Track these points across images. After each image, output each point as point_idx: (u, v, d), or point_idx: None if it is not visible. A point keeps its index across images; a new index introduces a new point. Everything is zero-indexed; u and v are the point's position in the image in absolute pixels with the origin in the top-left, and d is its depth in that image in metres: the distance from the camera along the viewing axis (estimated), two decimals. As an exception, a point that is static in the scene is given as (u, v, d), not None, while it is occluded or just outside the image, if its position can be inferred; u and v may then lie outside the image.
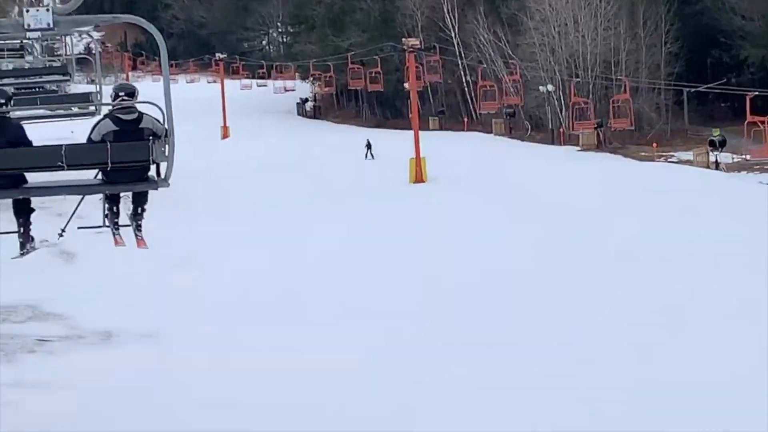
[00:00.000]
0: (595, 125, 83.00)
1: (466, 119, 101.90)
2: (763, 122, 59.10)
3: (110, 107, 16.52)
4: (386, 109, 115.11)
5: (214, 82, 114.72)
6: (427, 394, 31.27)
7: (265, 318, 40.02)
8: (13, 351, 36.25)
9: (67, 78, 31.08)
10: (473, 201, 57.19)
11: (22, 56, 38.13)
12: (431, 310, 40.18)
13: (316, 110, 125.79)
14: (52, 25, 15.31)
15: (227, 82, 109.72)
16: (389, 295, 42.32)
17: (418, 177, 65.74)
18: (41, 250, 47.32)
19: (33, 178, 16.14)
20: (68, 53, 32.79)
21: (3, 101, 16.76)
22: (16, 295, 41.83)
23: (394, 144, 79.40)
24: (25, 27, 15.12)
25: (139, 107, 16.27)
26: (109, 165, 15.32)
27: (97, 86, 24.43)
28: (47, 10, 15.65)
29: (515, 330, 37.03)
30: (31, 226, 17.81)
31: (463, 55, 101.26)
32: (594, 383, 30.43)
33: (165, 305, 40.95)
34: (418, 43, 77.40)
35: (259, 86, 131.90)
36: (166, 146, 15.31)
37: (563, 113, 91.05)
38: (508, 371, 31.91)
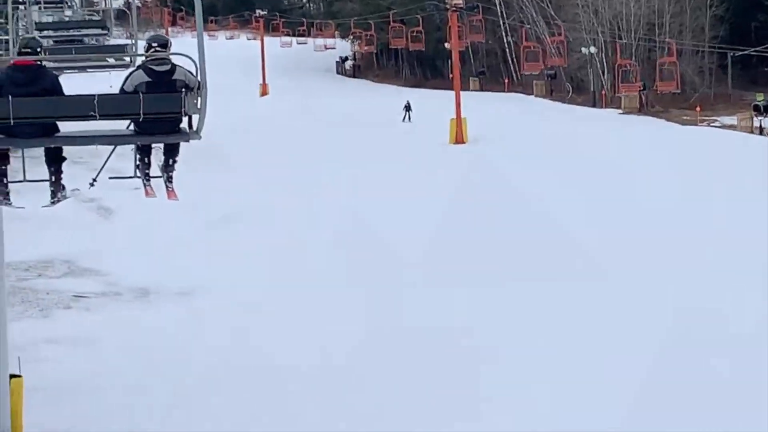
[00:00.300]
0: (640, 88, 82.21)
1: (506, 80, 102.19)
2: None
3: (143, 59, 16.53)
4: (426, 69, 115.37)
5: (254, 39, 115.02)
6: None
7: (305, 279, 40.05)
8: (49, 306, 36.67)
9: (106, 32, 31.28)
10: (514, 161, 56.82)
11: (61, 9, 38.42)
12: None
13: (356, 69, 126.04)
14: None
15: (267, 39, 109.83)
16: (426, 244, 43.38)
17: (459, 138, 65.71)
18: (78, 205, 48.36)
19: (65, 127, 16.35)
20: (106, 6, 33.05)
21: (37, 50, 17.15)
22: (52, 250, 42.47)
23: (434, 103, 79.22)
24: None
25: (173, 59, 16.30)
26: (141, 116, 15.40)
27: (133, 38, 24.41)
28: None
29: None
30: (62, 175, 17.81)
31: (505, 15, 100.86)
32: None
33: (203, 264, 40.98)
34: (461, 1, 76.82)
35: (299, 44, 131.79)
36: (199, 98, 15.29)
37: (605, 75, 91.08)
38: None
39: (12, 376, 26.97)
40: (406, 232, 45.83)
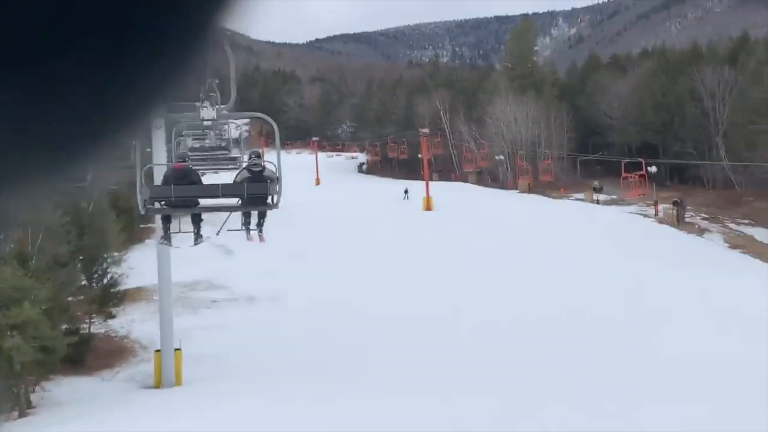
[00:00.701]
0: (529, 180, 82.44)
1: (453, 175, 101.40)
2: (632, 176, 58.38)
3: (247, 163, 17.22)
4: (408, 169, 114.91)
5: (311, 153, 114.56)
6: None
7: (345, 284, 40.65)
8: (197, 307, 37.05)
9: (227, 152, 31.45)
10: (461, 219, 56.39)
11: (204, 138, 38.76)
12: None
13: (368, 169, 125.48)
14: (215, 117, 17.06)
15: (319, 153, 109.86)
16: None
17: (428, 207, 64.77)
18: (213, 248, 47.97)
19: (203, 202, 16.96)
20: (229, 137, 33.13)
21: (187, 158, 18.75)
22: (200, 275, 43.82)
23: (413, 188, 79.41)
24: (201, 118, 15.71)
25: (264, 164, 16.99)
26: (245, 195, 15.87)
27: (242, 154, 24.77)
28: (213, 108, 17.02)
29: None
30: (200, 229, 18.27)
31: (451, 137, 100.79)
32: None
33: (285, 280, 41.15)
34: (428, 131, 76.93)
35: (337, 155, 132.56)
36: (278, 186, 15.96)
37: (509, 171, 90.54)
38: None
39: (176, 350, 26.25)
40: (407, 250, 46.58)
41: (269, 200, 16.34)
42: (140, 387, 27.20)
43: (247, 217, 18.05)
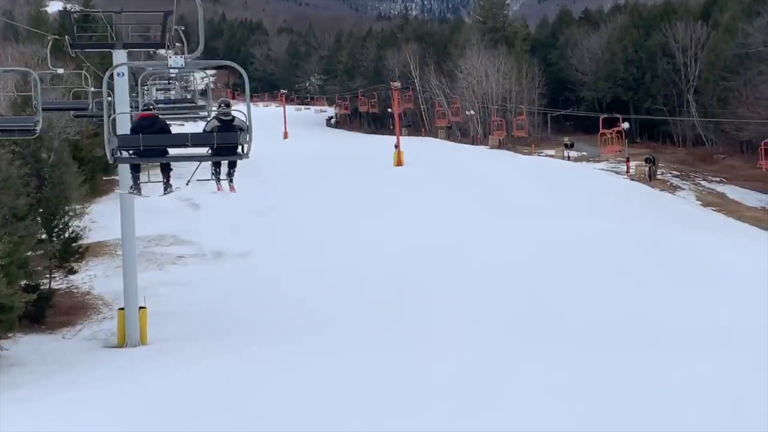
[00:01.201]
0: (503, 136, 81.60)
1: (423, 130, 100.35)
2: (610, 132, 57.59)
3: (216, 113, 16.76)
4: (377, 124, 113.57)
5: (279, 106, 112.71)
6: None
7: (317, 241, 40.03)
8: (162, 263, 36.05)
9: (193, 103, 30.39)
10: (430, 174, 55.57)
11: (168, 89, 37.32)
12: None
13: (337, 123, 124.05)
14: (183, 66, 15.93)
15: (287, 106, 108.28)
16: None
17: (399, 162, 63.66)
18: (179, 202, 46.68)
19: (171, 151, 16.46)
20: (195, 88, 31.82)
21: (153, 107, 17.68)
22: (165, 229, 42.84)
23: (381, 144, 78.18)
24: (168, 66, 15.83)
25: (233, 113, 16.46)
26: (215, 144, 15.63)
27: (209, 104, 24.08)
28: (181, 56, 16.24)
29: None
30: (170, 179, 17.90)
31: (421, 92, 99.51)
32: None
33: (253, 236, 40.17)
34: (399, 84, 75.53)
35: (305, 109, 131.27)
36: (248, 135, 15.59)
37: (479, 127, 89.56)
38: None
39: (140, 308, 25.17)
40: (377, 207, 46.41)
41: (239, 150, 16.04)
42: (103, 346, 26.07)
43: (216, 167, 17.70)
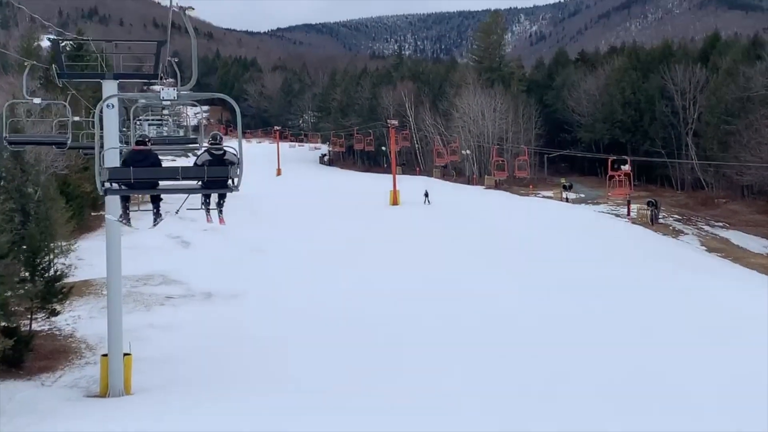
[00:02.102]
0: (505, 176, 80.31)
1: (417, 168, 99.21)
2: (618, 174, 56.46)
3: (207, 147, 16.48)
4: (371, 161, 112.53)
5: (272, 143, 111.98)
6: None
7: (307, 280, 38.81)
8: (150, 304, 34.56)
9: (188, 139, 29.28)
10: (428, 215, 54.12)
11: (160, 124, 36.21)
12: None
13: (330, 161, 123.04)
14: (176, 98, 15.57)
15: (281, 143, 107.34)
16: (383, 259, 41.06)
17: (395, 201, 62.35)
18: (169, 240, 45.42)
19: (162, 183, 16.17)
20: (188, 124, 30.61)
21: (148, 140, 17.20)
22: (154, 268, 41.37)
23: (376, 182, 76.89)
24: (161, 98, 15.49)
25: (225, 148, 16.20)
26: (206, 178, 15.57)
27: (202, 139, 23.16)
28: (174, 89, 15.90)
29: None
30: (160, 209, 17.89)
31: (416, 130, 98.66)
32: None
33: (245, 276, 38.61)
34: (396, 123, 74.29)
35: (299, 146, 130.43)
36: (238, 169, 15.65)
37: (474, 167, 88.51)
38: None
39: (125, 354, 23.49)
40: (373, 247, 44.47)
41: (230, 183, 15.94)
42: (84, 394, 24.31)
43: (207, 197, 17.64)
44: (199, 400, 23.36)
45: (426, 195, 62.34)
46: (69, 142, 24.68)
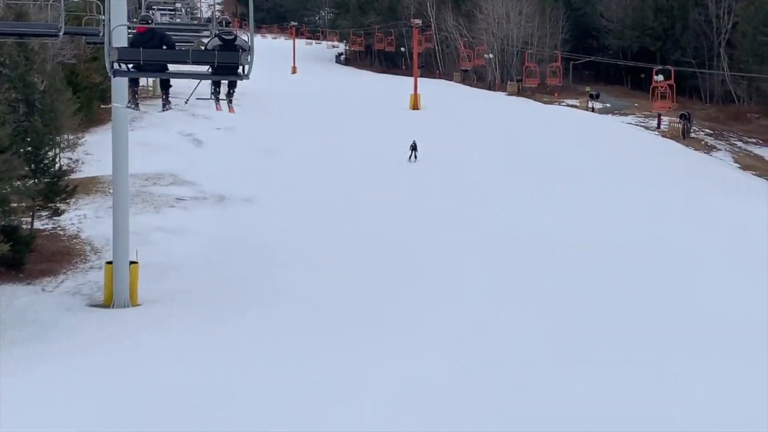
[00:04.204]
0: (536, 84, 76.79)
1: (437, 71, 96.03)
2: (662, 85, 53.71)
3: (218, 31, 15.76)
4: (389, 63, 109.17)
5: (288, 39, 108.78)
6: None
7: (324, 186, 36.68)
8: (160, 205, 32.78)
9: (198, 25, 27.85)
10: (451, 122, 51.70)
11: (173, 16, 34.00)
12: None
13: (347, 60, 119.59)
14: None
15: (297, 40, 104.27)
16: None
17: (415, 106, 59.84)
18: (180, 138, 43.65)
19: (171, 68, 15.68)
20: (200, 15, 28.60)
21: (150, 20, 16.45)
22: (164, 167, 38.70)
23: (395, 84, 74.28)
24: None
25: (236, 32, 15.73)
26: (216, 63, 14.96)
27: (214, 28, 21.31)
28: None
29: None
30: (169, 96, 17.09)
31: (437, 32, 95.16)
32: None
33: (258, 179, 36.52)
34: (420, 22, 71.28)
35: (316, 44, 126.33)
36: (249, 56, 14.87)
37: (497, 72, 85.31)
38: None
39: (131, 263, 21.70)
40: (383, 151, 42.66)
41: (240, 70, 15.34)
42: (87, 303, 22.64)
43: (216, 86, 16.82)
44: (210, 315, 21.76)
45: (413, 149, 42.64)
46: (61, 32, 22.36)
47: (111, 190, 29.11)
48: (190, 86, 16.51)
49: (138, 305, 22.47)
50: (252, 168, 38.58)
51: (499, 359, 18.40)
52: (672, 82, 54.52)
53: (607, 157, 43.63)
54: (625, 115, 61.66)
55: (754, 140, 54.10)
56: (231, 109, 17.60)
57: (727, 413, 15.77)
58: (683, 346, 19.53)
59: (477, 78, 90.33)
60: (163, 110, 17.82)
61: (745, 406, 16.04)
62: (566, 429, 14.92)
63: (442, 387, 16.81)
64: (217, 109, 17.49)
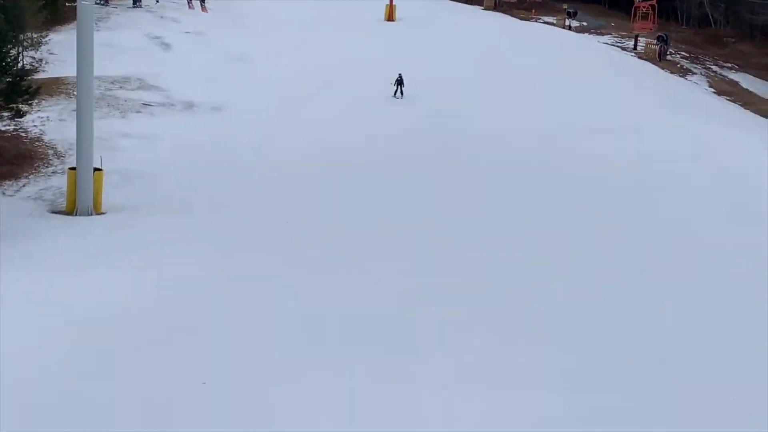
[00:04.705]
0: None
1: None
2: (644, 6, 52.74)
3: None
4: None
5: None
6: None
7: (294, 95, 35.85)
8: (126, 110, 31.79)
9: None
10: (427, 36, 50.36)
11: None
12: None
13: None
14: None
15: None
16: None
17: (390, 17, 58.32)
18: (148, 41, 42.23)
19: None
20: None
21: None
22: (130, 70, 36.99)
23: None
24: None
25: None
26: None
27: None
28: None
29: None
30: None
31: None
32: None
33: (227, 87, 35.41)
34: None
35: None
36: None
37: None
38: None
39: (95, 170, 20.95)
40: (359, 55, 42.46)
41: None
42: (49, 209, 21.94)
43: None
44: (175, 223, 21.21)
45: (399, 83, 37.48)
46: None
47: (75, 93, 28.18)
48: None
49: (102, 213, 21.80)
50: (222, 75, 37.41)
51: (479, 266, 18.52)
52: (654, 2, 53.60)
53: (584, 75, 42.73)
54: (602, 34, 60.65)
55: (729, 65, 53.64)
56: (204, 8, 16.76)
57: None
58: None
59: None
60: (134, 6, 16.84)
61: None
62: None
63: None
64: (189, 7, 16.57)
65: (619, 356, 14.74)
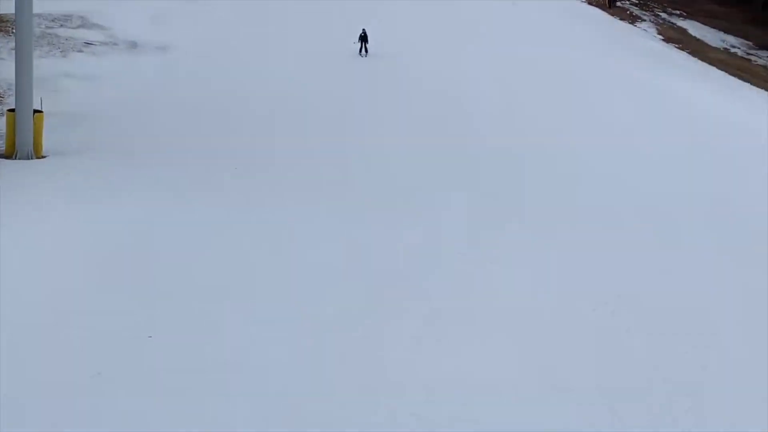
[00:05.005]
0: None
1: None
2: None
3: None
4: None
5: None
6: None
7: (246, 38, 35.06)
8: (67, 49, 31.08)
9: None
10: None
11: None
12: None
13: None
14: None
15: None
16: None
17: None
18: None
19: None
20: None
21: None
22: (71, 7, 35.87)
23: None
24: None
25: None
26: None
27: None
28: None
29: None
30: None
31: None
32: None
33: (175, 27, 34.61)
34: None
35: None
36: None
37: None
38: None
39: (35, 112, 20.37)
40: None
41: None
42: (-13, 154, 21.33)
43: None
44: (119, 167, 20.65)
45: (362, 39, 35.39)
46: None
47: (14, 31, 27.20)
48: None
49: (43, 157, 21.14)
50: (168, 13, 36.49)
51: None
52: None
53: (526, 21, 42.38)
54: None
55: (678, 12, 53.74)
56: None
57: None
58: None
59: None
60: None
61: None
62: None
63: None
64: None
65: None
